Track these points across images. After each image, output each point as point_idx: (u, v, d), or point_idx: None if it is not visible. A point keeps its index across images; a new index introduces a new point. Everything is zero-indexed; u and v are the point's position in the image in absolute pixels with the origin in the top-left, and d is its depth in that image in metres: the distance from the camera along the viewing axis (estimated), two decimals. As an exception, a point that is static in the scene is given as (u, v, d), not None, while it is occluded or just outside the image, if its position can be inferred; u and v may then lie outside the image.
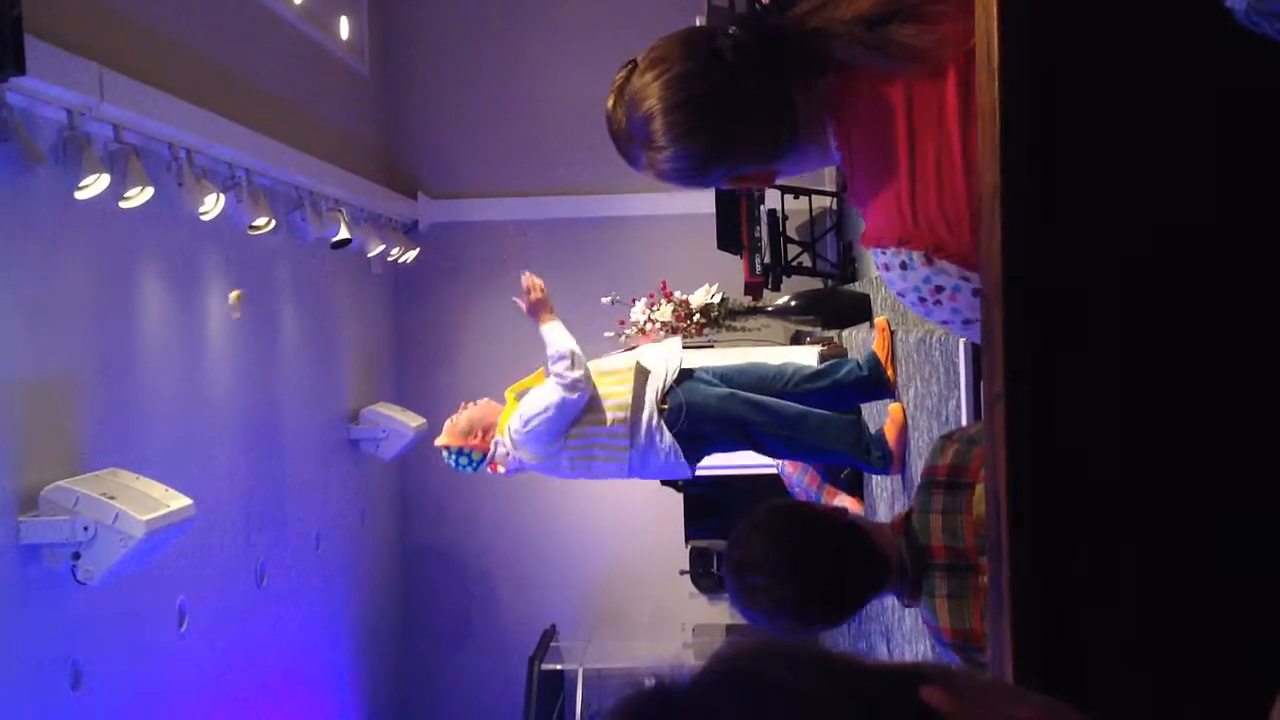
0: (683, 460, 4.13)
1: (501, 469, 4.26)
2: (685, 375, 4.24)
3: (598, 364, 4.27)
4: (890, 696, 0.68)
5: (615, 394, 4.13)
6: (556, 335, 4.11)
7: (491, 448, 4.22)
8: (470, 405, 4.27)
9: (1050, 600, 1.21)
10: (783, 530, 1.79)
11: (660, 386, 4.14)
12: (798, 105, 1.49)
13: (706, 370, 4.32)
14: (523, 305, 4.24)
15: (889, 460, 4.23)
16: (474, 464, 4.26)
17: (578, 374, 4.03)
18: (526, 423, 4.07)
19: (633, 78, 1.52)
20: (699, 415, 4.11)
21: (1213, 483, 1.22)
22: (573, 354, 4.05)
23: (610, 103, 1.55)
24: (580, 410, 4.05)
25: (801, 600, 1.75)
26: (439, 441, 4.28)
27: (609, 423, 4.09)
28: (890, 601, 4.65)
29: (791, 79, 1.48)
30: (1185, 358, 1.22)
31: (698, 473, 6.42)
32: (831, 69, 1.47)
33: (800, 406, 4.21)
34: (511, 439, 4.13)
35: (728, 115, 1.50)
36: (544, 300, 4.20)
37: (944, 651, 1.77)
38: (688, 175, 1.55)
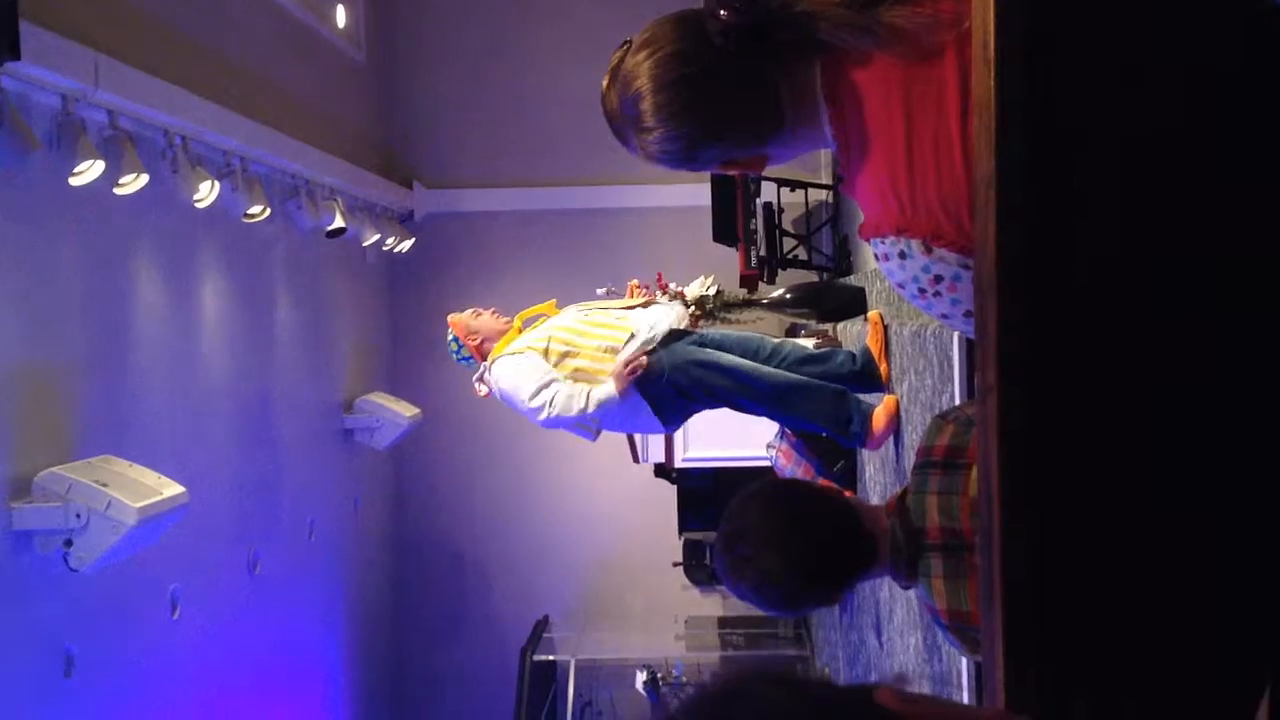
0: (655, 419, 4.28)
1: (483, 391, 4.50)
2: (673, 335, 4.34)
3: (597, 328, 4.38)
4: (849, 701, 0.74)
5: (605, 373, 4.26)
6: (604, 396, 4.22)
7: (480, 366, 4.47)
8: (493, 315, 4.55)
9: (1042, 592, 1.21)
10: (775, 504, 1.79)
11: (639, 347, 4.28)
12: (787, 90, 1.47)
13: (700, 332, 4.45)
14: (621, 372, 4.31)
15: (865, 436, 4.25)
16: (459, 355, 4.58)
17: (554, 413, 4.20)
18: (500, 387, 4.31)
19: (626, 58, 1.51)
20: (679, 378, 4.22)
21: (1208, 481, 1.21)
22: (580, 412, 4.20)
23: (605, 84, 1.54)
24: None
25: (787, 574, 1.76)
26: (451, 317, 4.60)
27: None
28: (882, 595, 4.67)
29: (781, 63, 1.46)
30: (1181, 347, 1.22)
31: (691, 465, 6.42)
32: (823, 53, 1.45)
33: (779, 374, 4.27)
34: (495, 377, 4.34)
35: (718, 97, 1.48)
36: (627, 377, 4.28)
37: (943, 633, 1.77)
38: (677, 157, 1.52)
